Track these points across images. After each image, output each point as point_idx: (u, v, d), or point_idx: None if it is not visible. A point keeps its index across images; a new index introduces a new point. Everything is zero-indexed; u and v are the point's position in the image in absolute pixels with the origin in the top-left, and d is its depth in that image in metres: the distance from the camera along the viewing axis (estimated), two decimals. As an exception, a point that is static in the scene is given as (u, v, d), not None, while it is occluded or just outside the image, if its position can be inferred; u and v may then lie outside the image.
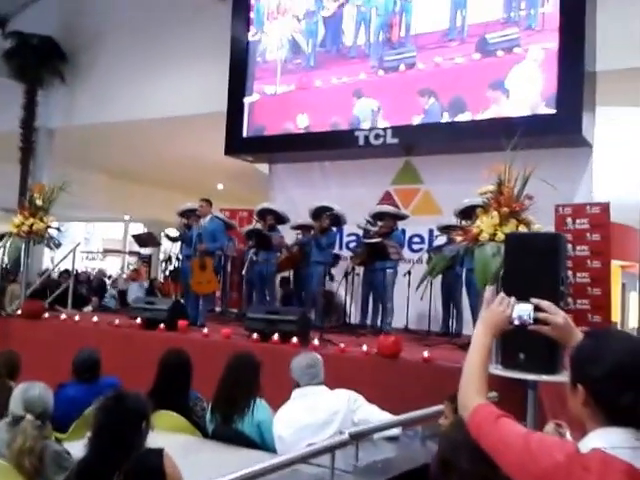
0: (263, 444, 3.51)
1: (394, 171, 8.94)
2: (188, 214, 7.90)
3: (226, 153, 9.75)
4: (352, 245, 8.73)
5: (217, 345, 5.69)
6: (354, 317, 8.09)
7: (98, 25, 11.97)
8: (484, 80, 7.76)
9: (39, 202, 7.37)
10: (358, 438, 2.66)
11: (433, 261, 6.46)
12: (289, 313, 6.04)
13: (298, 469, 2.52)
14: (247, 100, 9.58)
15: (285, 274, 8.90)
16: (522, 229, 4.52)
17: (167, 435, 3.20)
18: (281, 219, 8.26)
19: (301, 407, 3.44)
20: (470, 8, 7.97)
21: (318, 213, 7.83)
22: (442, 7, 8.15)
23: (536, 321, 1.65)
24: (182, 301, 7.45)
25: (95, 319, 6.76)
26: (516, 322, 1.67)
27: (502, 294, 1.70)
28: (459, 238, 5.08)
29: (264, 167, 10.74)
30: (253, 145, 9.70)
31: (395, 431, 3.22)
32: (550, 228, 6.42)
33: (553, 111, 7.22)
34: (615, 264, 9.55)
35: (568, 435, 1.79)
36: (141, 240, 9.76)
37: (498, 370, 3.20)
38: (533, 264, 3.41)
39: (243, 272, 7.94)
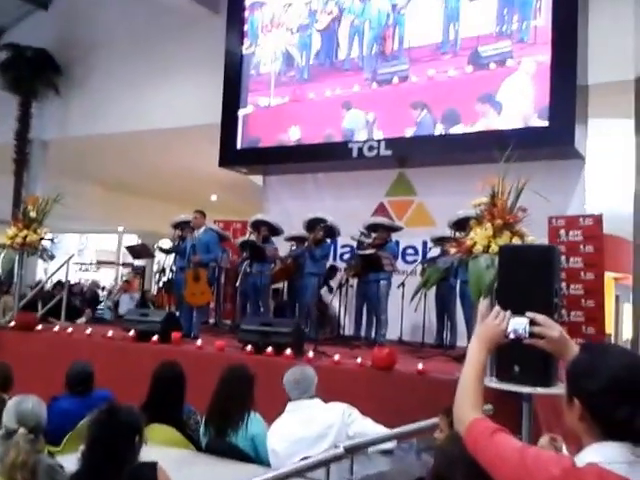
0: (257, 458, 3.50)
1: (388, 183, 8.97)
2: (182, 226, 7.89)
3: (220, 165, 9.77)
4: (346, 257, 8.74)
5: (211, 357, 5.66)
6: (348, 329, 8.08)
7: (92, 37, 12.00)
8: (477, 93, 7.81)
9: (33, 214, 7.34)
10: (353, 452, 2.65)
11: (427, 273, 6.46)
12: (283, 325, 6.02)
13: (293, 483, 2.51)
14: (241, 112, 9.61)
15: (277, 285, 8.89)
16: (516, 241, 4.52)
17: (161, 449, 3.17)
18: (275, 231, 8.26)
19: (295, 420, 3.43)
20: (463, 21, 8.03)
21: (312, 225, 7.84)
22: (435, 20, 8.21)
23: (532, 335, 1.65)
24: (176, 313, 7.43)
25: (88, 331, 6.72)
26: (511, 336, 1.66)
27: (497, 308, 1.70)
28: (453, 250, 5.09)
29: (258, 179, 10.75)
30: (247, 157, 9.72)
31: (390, 444, 3.21)
32: (543, 240, 6.44)
33: (546, 123, 7.27)
34: (608, 276, 9.58)
35: (564, 449, 1.79)
36: (135, 251, 9.73)
37: (493, 383, 3.20)
38: (527, 276, 3.42)
39: (237, 284, 7.93)
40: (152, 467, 2.36)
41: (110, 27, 11.72)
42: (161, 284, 9.13)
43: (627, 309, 12.02)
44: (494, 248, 4.45)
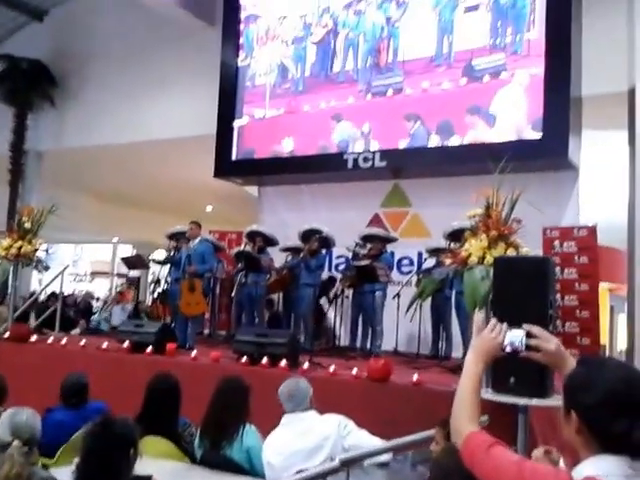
0: (252, 470, 3.48)
1: (383, 194, 9.00)
2: (177, 237, 7.88)
3: (215, 176, 9.78)
4: (341, 267, 8.74)
5: (206, 369, 5.64)
6: (343, 339, 8.07)
7: (88, 49, 12.04)
8: (471, 105, 7.85)
9: (28, 225, 7.33)
10: (349, 464, 2.65)
11: (422, 284, 6.48)
12: (278, 336, 6.00)
13: (288, 496, 2.50)
14: (236, 123, 9.64)
15: (270, 296, 8.88)
16: (510, 252, 4.54)
17: (155, 461, 3.16)
18: (270, 241, 8.26)
19: (291, 433, 3.41)
20: (457, 34, 8.09)
21: (307, 235, 7.84)
22: (429, 33, 8.27)
23: (528, 347, 1.65)
24: (171, 324, 7.40)
25: (82, 342, 6.70)
26: (508, 349, 1.66)
27: (494, 320, 1.70)
28: (448, 261, 5.10)
29: (253, 189, 10.76)
30: (242, 168, 9.74)
31: (386, 457, 3.20)
32: (538, 251, 6.47)
33: (539, 135, 7.31)
34: (603, 286, 9.60)
35: (562, 462, 1.79)
36: (129, 262, 9.72)
37: (488, 394, 3.20)
38: (522, 287, 3.43)
39: (232, 294, 7.91)
40: (147, 480, 2.35)
41: (105, 39, 11.76)
42: (156, 295, 9.11)
43: (622, 320, 12.03)
44: (489, 259, 4.46)
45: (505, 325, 1.68)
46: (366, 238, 7.79)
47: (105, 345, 6.50)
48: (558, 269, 6.46)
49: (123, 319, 9.32)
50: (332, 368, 5.28)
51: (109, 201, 16.34)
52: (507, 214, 4.64)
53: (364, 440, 3.31)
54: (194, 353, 6.09)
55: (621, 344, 12.21)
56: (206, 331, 8.96)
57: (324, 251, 8.08)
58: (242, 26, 9.85)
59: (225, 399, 3.65)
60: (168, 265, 7.91)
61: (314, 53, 9.21)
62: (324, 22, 9.16)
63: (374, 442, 3.30)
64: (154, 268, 9.23)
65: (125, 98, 11.37)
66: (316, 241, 7.71)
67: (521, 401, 3.28)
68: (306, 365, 5.45)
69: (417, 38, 8.39)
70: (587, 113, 7.62)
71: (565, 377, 1.51)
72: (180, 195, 14.92)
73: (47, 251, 7.95)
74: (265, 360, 5.52)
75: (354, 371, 5.16)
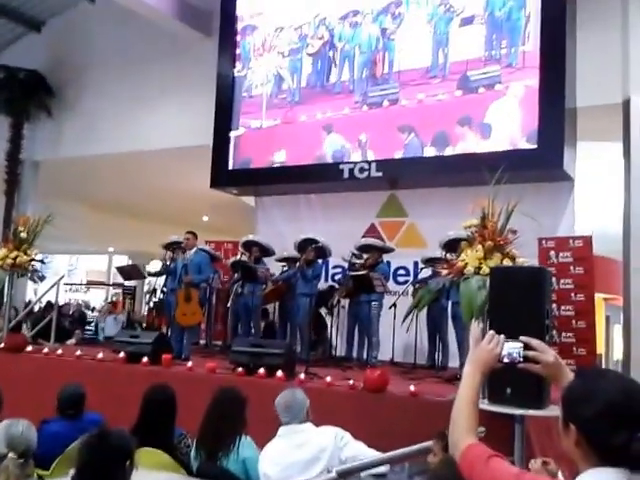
0: (249, 481, 3.46)
1: (379, 204, 9.02)
2: (173, 247, 7.88)
3: (212, 186, 9.78)
4: (337, 277, 8.75)
5: (202, 379, 5.62)
6: (340, 349, 8.06)
7: (85, 60, 12.07)
8: (466, 116, 7.89)
9: (23, 235, 7.32)
10: (346, 476, 2.63)
11: (419, 294, 6.47)
12: (274, 346, 6.00)
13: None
14: (233, 134, 9.66)
15: (265, 306, 8.86)
16: (507, 263, 4.55)
17: (151, 473, 3.14)
18: (266, 251, 8.26)
19: (287, 444, 3.40)
20: (452, 46, 8.14)
21: (303, 245, 7.84)
22: (424, 45, 8.32)
23: (526, 359, 1.66)
24: (167, 333, 7.39)
25: (78, 353, 6.68)
26: (506, 360, 1.66)
27: (491, 332, 1.71)
28: (444, 271, 5.11)
29: (250, 199, 10.78)
30: (239, 178, 9.75)
31: (382, 468, 3.19)
32: (534, 261, 6.48)
33: (534, 146, 7.34)
34: (599, 297, 9.63)
35: (560, 475, 1.79)
36: (125, 272, 9.70)
37: (485, 405, 3.20)
38: (518, 297, 3.45)
39: (228, 304, 7.90)
40: (143, 492, 2.34)
41: (103, 49, 11.80)
42: (151, 304, 9.10)
43: (617, 330, 12.06)
44: (485, 269, 4.48)
45: (502, 336, 1.68)
46: (362, 248, 7.80)
47: (101, 355, 6.48)
48: (554, 279, 6.47)
49: (116, 330, 9.30)
50: (328, 379, 5.28)
51: (105, 211, 16.33)
52: (503, 224, 4.65)
53: (361, 452, 3.30)
54: (190, 363, 6.07)
55: (617, 354, 12.22)
56: (202, 341, 8.93)
57: (320, 261, 8.08)
58: (239, 37, 9.90)
59: (221, 410, 3.63)
60: (164, 275, 7.90)
61: (310, 64, 9.26)
62: (320, 34, 9.21)
63: (371, 453, 3.29)
64: (150, 278, 9.22)
65: (122, 108, 11.39)
66: (312, 251, 7.71)
67: (518, 411, 3.29)
68: (302, 375, 5.44)
69: (412, 50, 8.43)
70: (582, 125, 7.67)
71: (563, 389, 1.50)
72: (176, 205, 14.93)
73: (43, 261, 7.93)
74: (261, 371, 5.51)
75: (350, 382, 5.16)
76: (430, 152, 8.11)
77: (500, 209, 4.64)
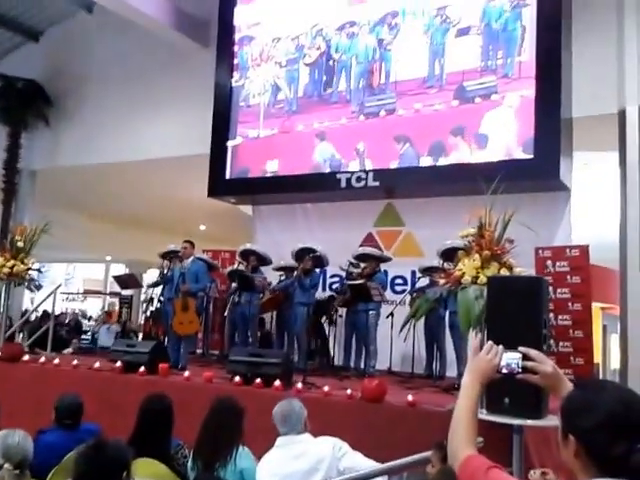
0: (246, 492, 3.45)
1: (376, 213, 9.03)
2: (171, 255, 7.87)
3: (209, 195, 9.79)
4: (335, 286, 8.74)
5: (199, 389, 5.61)
6: (337, 359, 8.05)
7: (83, 70, 12.10)
8: (462, 126, 7.92)
9: (20, 244, 7.32)
10: (344, 486, 2.63)
11: (416, 303, 6.48)
12: (272, 356, 5.99)
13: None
14: (230, 143, 9.68)
15: (261, 315, 8.84)
16: (504, 272, 4.56)
17: (148, 483, 3.13)
18: (264, 260, 8.25)
19: (285, 455, 3.39)
20: (448, 57, 8.18)
21: (301, 254, 7.84)
22: (421, 56, 8.36)
23: (524, 370, 1.65)
24: (164, 342, 7.36)
25: (75, 362, 6.65)
26: (504, 370, 1.66)
27: (490, 342, 1.71)
28: (442, 280, 5.11)
29: (247, 209, 10.79)
30: (236, 187, 9.76)
31: (380, 479, 3.19)
32: (531, 271, 6.49)
33: (530, 156, 7.37)
34: (596, 306, 9.63)
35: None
36: (122, 281, 9.69)
37: (483, 415, 3.20)
38: (516, 307, 3.45)
39: (225, 313, 7.88)
40: (140, 503, 2.33)
41: (101, 59, 11.84)
42: (148, 314, 9.08)
43: (614, 339, 12.06)
44: (482, 279, 4.48)
45: (501, 347, 1.69)
46: (360, 257, 7.81)
47: (97, 365, 6.46)
48: (551, 289, 6.48)
49: (109, 339, 9.27)
50: (326, 388, 5.27)
51: (102, 220, 16.32)
52: (500, 234, 4.67)
53: (359, 462, 3.29)
54: (187, 373, 6.05)
55: (614, 363, 12.21)
56: (199, 351, 8.91)
57: (318, 270, 8.08)
58: (236, 47, 9.94)
59: (219, 420, 3.62)
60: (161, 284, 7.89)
61: (307, 74, 9.30)
62: (317, 44, 9.25)
63: (369, 464, 3.28)
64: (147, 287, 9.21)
65: (119, 118, 11.41)
66: (310, 260, 7.71)
67: (516, 421, 3.28)
68: (300, 385, 5.43)
69: (409, 60, 8.47)
70: (578, 135, 7.70)
71: (563, 400, 1.50)
72: (174, 214, 14.92)
73: (40, 270, 7.92)
74: (259, 380, 5.50)
75: (348, 391, 5.15)
76: (426, 162, 8.13)
77: (497, 219, 4.65)
